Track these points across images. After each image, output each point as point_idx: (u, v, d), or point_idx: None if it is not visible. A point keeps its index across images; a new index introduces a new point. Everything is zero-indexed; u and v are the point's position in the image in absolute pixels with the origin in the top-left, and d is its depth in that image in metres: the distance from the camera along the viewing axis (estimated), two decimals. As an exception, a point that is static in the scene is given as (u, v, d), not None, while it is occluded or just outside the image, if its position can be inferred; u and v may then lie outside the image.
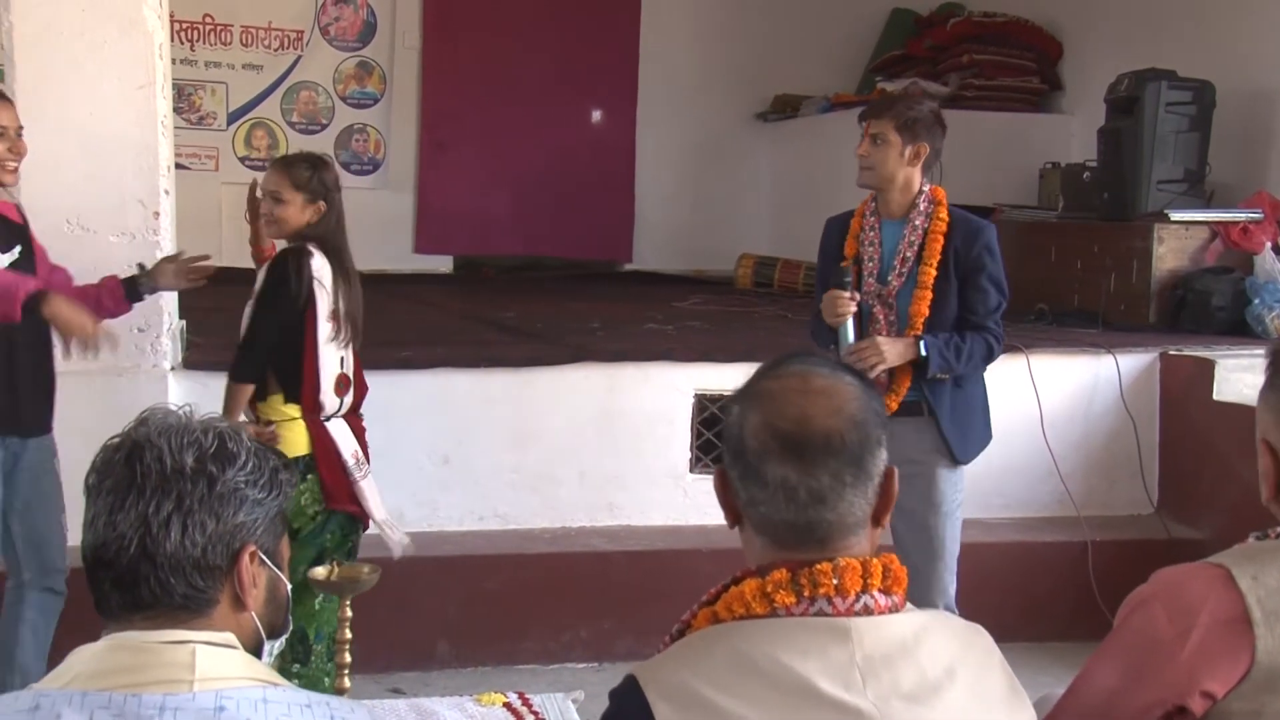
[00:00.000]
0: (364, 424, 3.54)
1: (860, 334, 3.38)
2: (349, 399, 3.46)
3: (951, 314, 3.37)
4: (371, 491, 3.45)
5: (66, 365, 3.97)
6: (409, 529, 3.57)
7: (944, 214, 3.39)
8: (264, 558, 1.39)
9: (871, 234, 3.44)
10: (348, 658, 2.59)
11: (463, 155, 8.41)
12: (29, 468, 3.38)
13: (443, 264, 8.52)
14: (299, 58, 8.24)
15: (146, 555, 1.30)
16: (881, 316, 3.38)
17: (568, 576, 4.35)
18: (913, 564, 3.27)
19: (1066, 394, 4.97)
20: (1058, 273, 6.24)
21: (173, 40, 4.44)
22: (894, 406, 3.34)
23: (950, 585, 3.46)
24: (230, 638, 1.34)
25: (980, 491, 4.93)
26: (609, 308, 6.26)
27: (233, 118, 8.17)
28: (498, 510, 4.58)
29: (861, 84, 8.53)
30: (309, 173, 3.35)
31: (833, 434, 1.39)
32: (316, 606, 3.35)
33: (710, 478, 1.44)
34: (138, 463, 1.32)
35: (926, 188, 3.41)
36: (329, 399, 3.38)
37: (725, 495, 1.48)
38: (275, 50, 8.19)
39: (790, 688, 1.32)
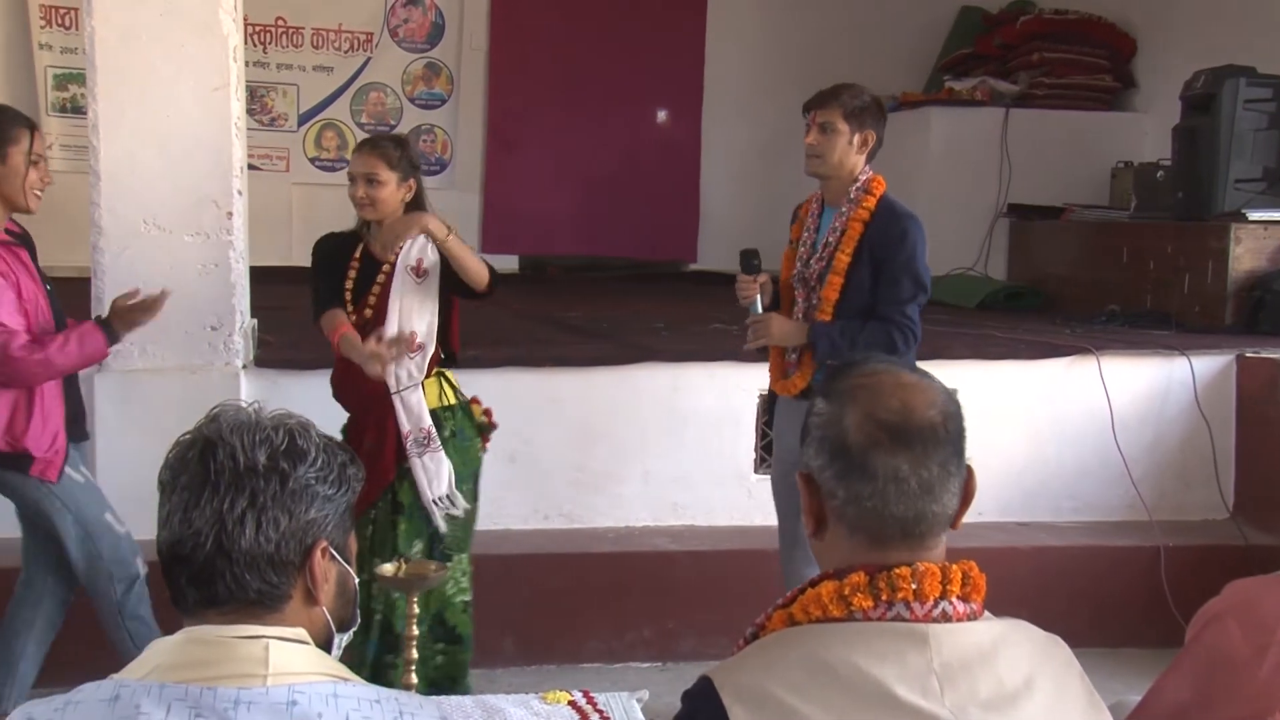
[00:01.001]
0: None
1: (792, 305, 3.52)
2: None
3: (862, 301, 3.37)
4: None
5: (141, 364, 4.07)
6: (474, 527, 3.61)
7: (870, 203, 3.40)
8: (334, 553, 1.40)
9: (811, 219, 3.52)
10: (414, 654, 2.62)
11: (528, 156, 8.45)
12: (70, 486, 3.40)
13: (508, 264, 8.55)
14: (368, 59, 8.33)
15: (222, 551, 1.32)
16: (800, 299, 3.47)
17: (631, 576, 4.35)
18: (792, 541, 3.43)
19: (1139, 396, 4.89)
20: (1129, 273, 6.14)
21: (246, 43, 4.51)
22: (799, 386, 3.44)
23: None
24: (302, 633, 1.36)
25: (1050, 494, 4.88)
26: (673, 308, 6.25)
27: (303, 119, 8.27)
28: (562, 509, 4.61)
29: (929, 83, 8.44)
30: (398, 151, 3.44)
31: (936, 424, 1.39)
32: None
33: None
34: (211, 460, 1.33)
35: (864, 176, 3.43)
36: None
37: (813, 500, 1.45)
38: (345, 52, 8.29)
39: (867, 693, 1.31)
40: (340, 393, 3.54)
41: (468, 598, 3.53)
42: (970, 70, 7.99)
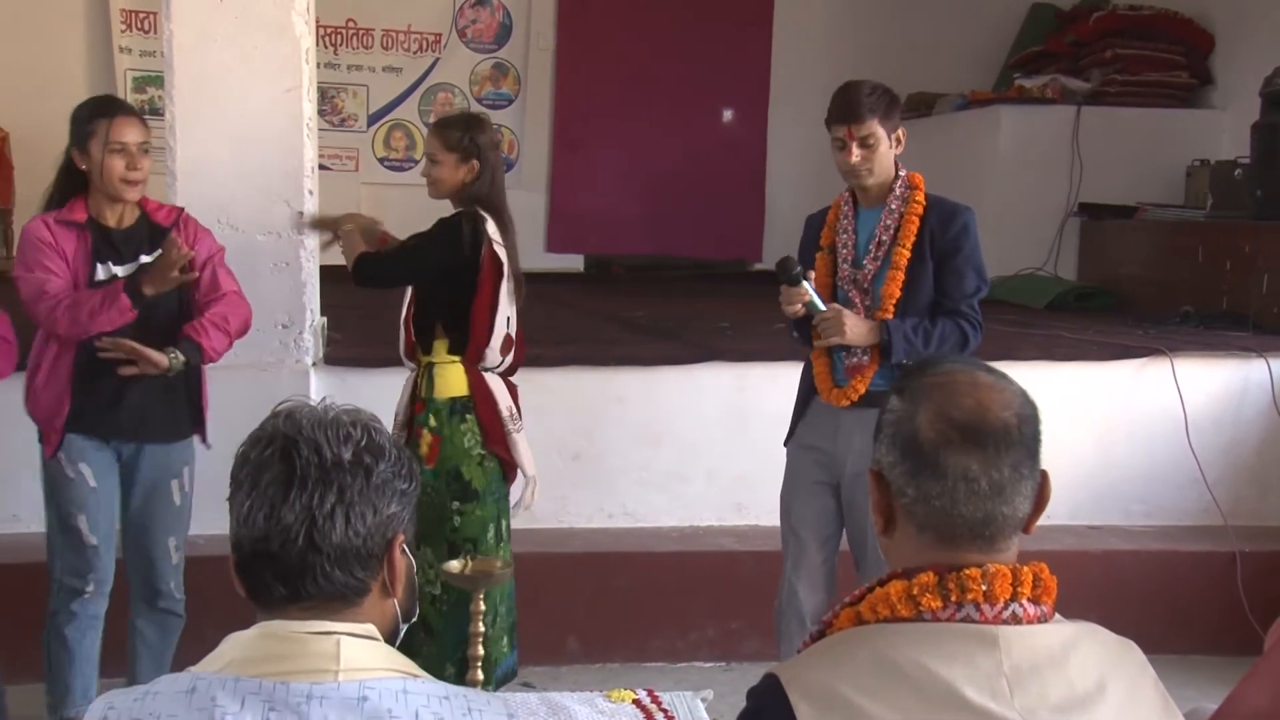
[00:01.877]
0: (517, 390, 3.63)
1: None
2: (509, 360, 3.54)
3: (926, 298, 3.26)
4: (523, 446, 3.54)
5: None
6: (539, 525, 3.62)
7: (920, 197, 3.30)
8: (405, 547, 1.42)
9: (846, 222, 3.36)
10: (480, 650, 2.64)
11: (595, 155, 8.48)
12: (142, 482, 3.34)
13: (574, 263, 8.60)
14: (436, 60, 8.41)
15: (314, 547, 1.33)
16: (857, 300, 3.29)
17: (695, 575, 4.35)
18: (866, 564, 3.27)
19: (1214, 398, 4.80)
20: (1205, 273, 6.02)
21: (317, 44, 4.57)
22: (860, 391, 3.25)
23: None
24: (371, 629, 1.37)
25: (1121, 498, 4.80)
26: (738, 307, 6.24)
27: (372, 119, 8.38)
28: (626, 508, 4.62)
29: (999, 81, 8.34)
30: (459, 132, 3.44)
31: (1010, 425, 1.38)
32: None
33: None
34: (296, 457, 1.34)
35: (903, 173, 3.34)
36: (492, 355, 3.47)
37: (883, 497, 1.44)
38: (414, 53, 8.38)
39: (935, 694, 1.30)
40: None
41: (435, 590, 3.41)
42: (1041, 68, 7.89)
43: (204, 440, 3.47)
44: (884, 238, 3.27)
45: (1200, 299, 5.88)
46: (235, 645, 1.35)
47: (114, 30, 7.86)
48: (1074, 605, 1.47)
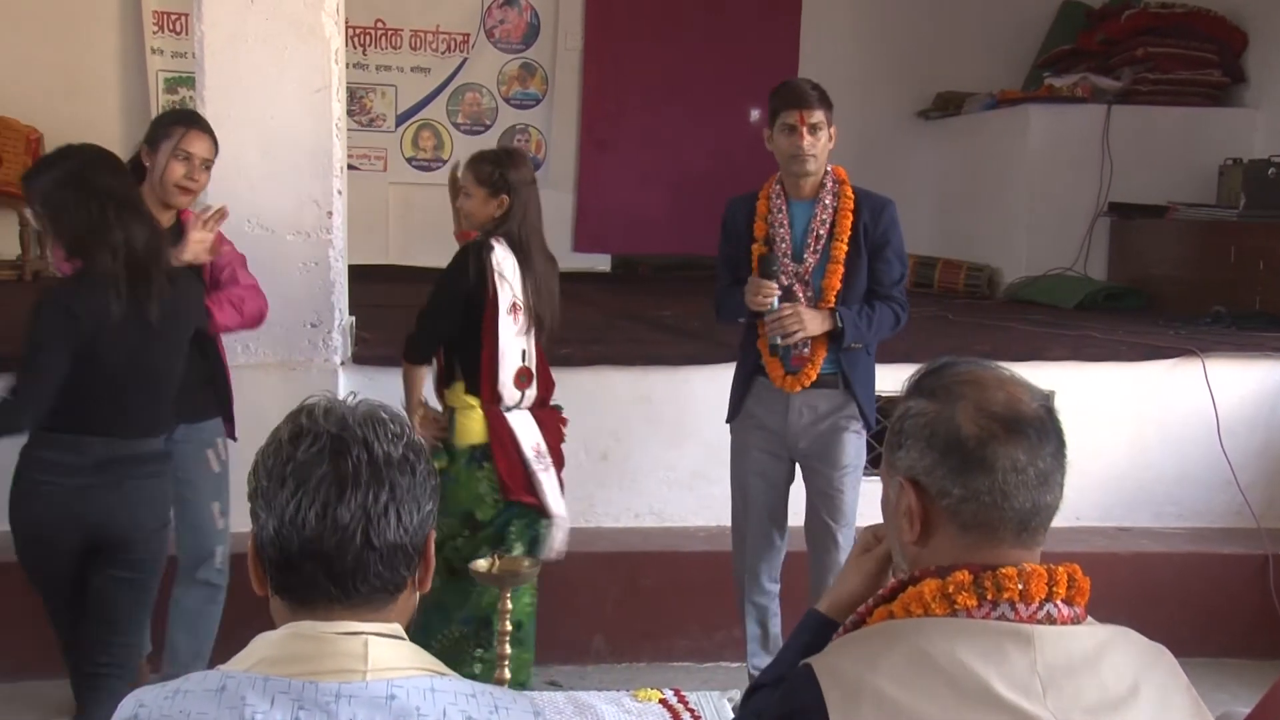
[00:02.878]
0: (564, 417, 3.65)
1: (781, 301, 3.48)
2: (531, 392, 3.52)
3: (861, 287, 3.49)
4: (551, 486, 3.50)
5: (243, 359, 4.16)
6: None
7: (849, 191, 3.52)
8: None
9: (780, 215, 3.54)
10: (508, 649, 2.65)
11: (622, 155, 8.48)
12: (180, 458, 3.38)
13: (601, 262, 8.61)
14: (465, 60, 8.44)
15: (370, 545, 1.33)
16: (800, 293, 3.47)
17: (722, 575, 4.33)
18: (818, 528, 3.56)
19: (1246, 400, 4.76)
20: (1238, 274, 5.97)
21: (346, 45, 4.59)
22: (813, 377, 3.49)
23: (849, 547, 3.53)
24: (396, 628, 1.38)
25: (1151, 499, 4.76)
26: (766, 307, 6.22)
27: (401, 119, 8.41)
28: (654, 507, 4.62)
29: (1028, 80, 8.29)
30: (490, 168, 3.47)
31: (1042, 415, 1.40)
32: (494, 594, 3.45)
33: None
34: (348, 454, 1.33)
35: (830, 166, 3.54)
36: (508, 390, 3.46)
37: (920, 504, 1.42)
38: (442, 53, 8.40)
39: (968, 688, 1.30)
40: None
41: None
42: (1071, 67, 7.83)
43: (232, 434, 3.55)
44: (821, 231, 3.48)
45: (1232, 299, 5.83)
46: (264, 645, 1.35)
47: (146, 32, 7.93)
48: (1105, 607, 1.46)
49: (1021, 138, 7.26)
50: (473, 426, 3.44)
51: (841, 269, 3.46)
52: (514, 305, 3.42)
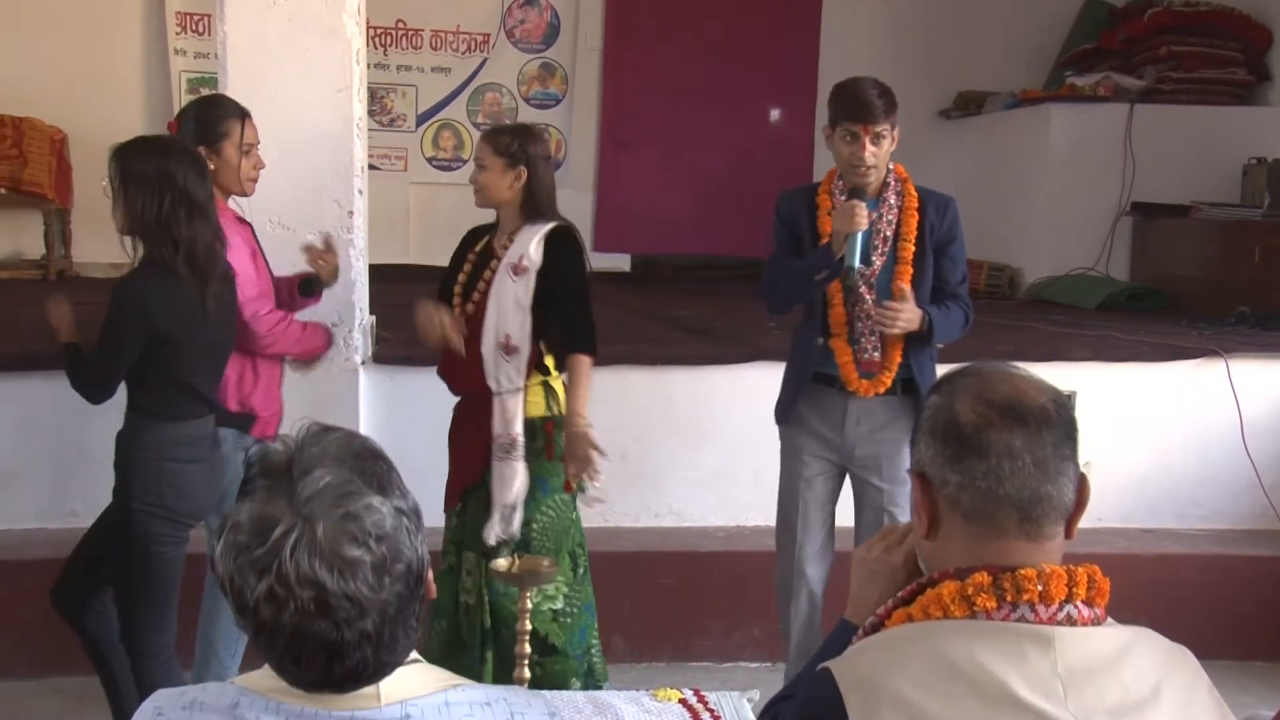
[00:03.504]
0: None
1: (849, 309, 3.37)
2: None
3: (928, 288, 3.38)
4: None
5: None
6: (586, 524, 3.62)
7: (912, 190, 3.41)
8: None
9: None
10: (527, 649, 2.65)
11: (642, 155, 8.48)
12: (234, 457, 3.43)
13: (621, 262, 8.61)
14: (485, 60, 8.45)
15: (380, 659, 1.29)
16: (867, 295, 3.36)
17: (742, 575, 4.34)
18: (874, 525, 3.37)
19: (1271, 401, 4.72)
20: (1262, 274, 5.93)
21: (367, 45, 4.60)
22: (888, 383, 3.36)
23: None
24: (412, 654, 1.37)
25: (1174, 501, 4.74)
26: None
27: (421, 119, 8.43)
28: (673, 507, 4.62)
29: (1049, 79, 8.25)
30: (508, 139, 3.41)
31: (1047, 408, 1.39)
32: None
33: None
34: (330, 613, 1.24)
35: (891, 164, 3.41)
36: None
37: (926, 497, 1.44)
38: (463, 53, 8.42)
39: (988, 691, 1.29)
40: (448, 381, 3.54)
41: (557, 606, 3.44)
42: (1093, 66, 7.79)
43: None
44: (887, 232, 3.35)
45: (1257, 299, 5.79)
46: (275, 676, 1.32)
47: (169, 33, 7.97)
48: (1126, 608, 1.46)
49: (1043, 137, 7.23)
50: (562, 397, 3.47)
51: (910, 270, 3.34)
52: None
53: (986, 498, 1.38)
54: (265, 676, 1.33)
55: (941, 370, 3.46)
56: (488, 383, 3.36)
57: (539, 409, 3.41)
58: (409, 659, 1.36)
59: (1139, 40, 7.65)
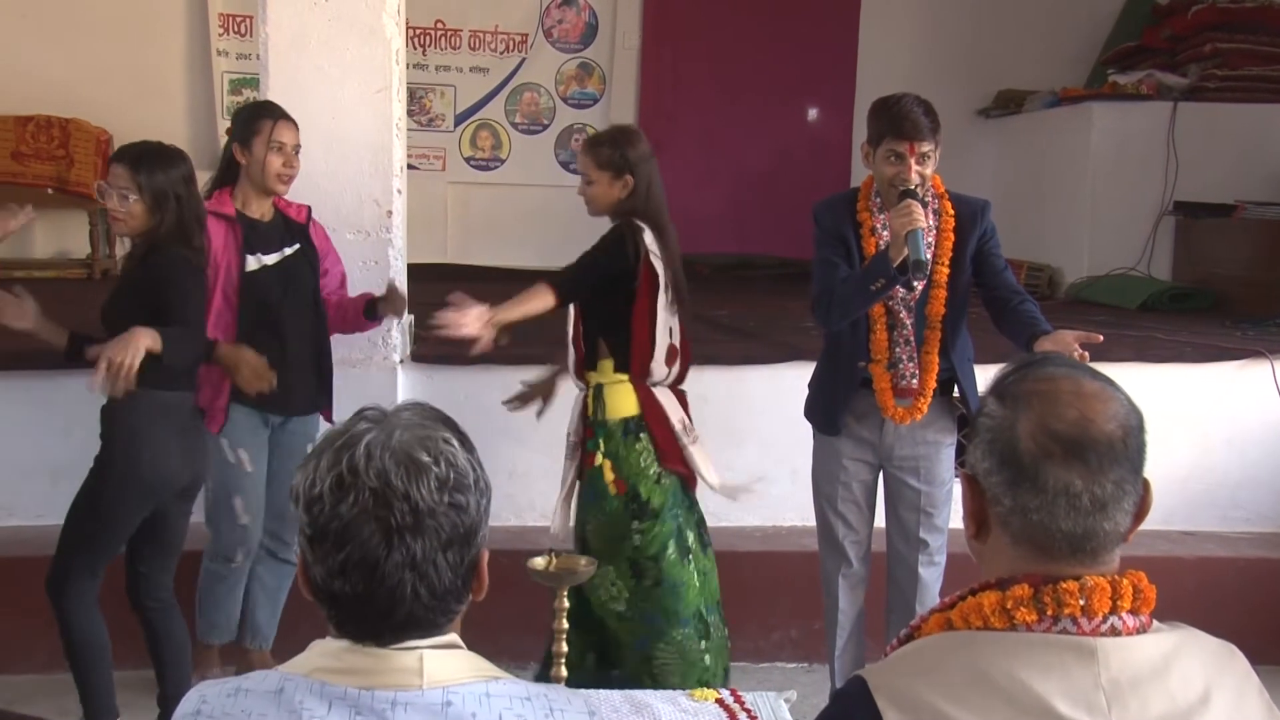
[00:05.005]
0: (686, 396, 3.64)
1: (889, 330, 3.31)
2: (676, 369, 3.56)
3: (963, 309, 3.34)
4: (702, 457, 3.54)
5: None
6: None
7: (950, 207, 3.31)
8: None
9: (885, 233, 3.28)
10: (565, 647, 2.65)
11: (679, 154, 8.45)
12: (282, 444, 3.72)
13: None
14: (523, 60, 8.48)
15: (419, 599, 1.32)
16: (907, 320, 3.30)
17: (779, 575, 4.34)
18: (909, 548, 3.40)
19: (1316, 403, 4.66)
20: (1308, 274, 5.86)
21: (406, 45, 4.63)
22: (924, 410, 3.32)
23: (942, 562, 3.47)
24: (454, 638, 1.38)
25: (1217, 503, 4.68)
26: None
27: (459, 119, 8.47)
28: (710, 507, 4.58)
29: (1091, 77, 8.18)
30: (610, 150, 3.44)
31: (1115, 438, 1.32)
32: (697, 582, 3.50)
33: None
34: (390, 515, 1.30)
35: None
36: (659, 368, 3.49)
37: (976, 503, 1.39)
38: (501, 53, 8.45)
39: (1027, 706, 1.26)
40: None
41: (620, 609, 3.48)
42: (1135, 64, 7.72)
43: (330, 419, 3.79)
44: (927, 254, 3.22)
45: (1303, 300, 5.72)
46: (321, 654, 1.35)
47: (212, 34, 8.06)
48: (1168, 613, 1.43)
49: (1084, 136, 7.16)
50: (626, 400, 3.44)
51: (944, 293, 3.28)
52: (665, 283, 3.44)
53: (1038, 529, 1.33)
54: (306, 660, 1.35)
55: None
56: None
57: (590, 411, 3.45)
58: (453, 643, 1.37)
59: (1183, 37, 7.57)
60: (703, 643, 3.50)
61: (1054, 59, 8.27)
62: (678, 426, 3.49)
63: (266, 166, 3.56)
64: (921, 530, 3.41)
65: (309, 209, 3.83)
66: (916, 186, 3.18)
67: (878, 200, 3.32)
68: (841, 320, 3.34)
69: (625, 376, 3.44)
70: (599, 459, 3.43)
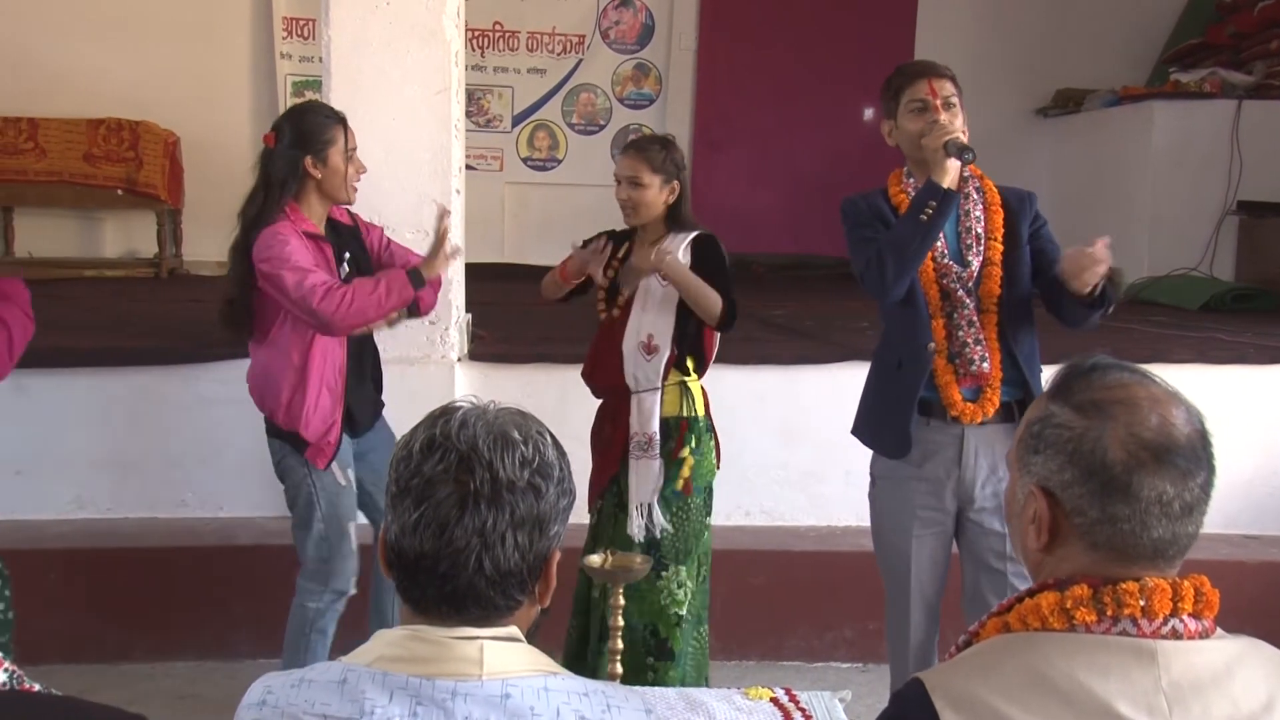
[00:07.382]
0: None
1: (946, 316, 2.95)
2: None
3: (1023, 288, 2.97)
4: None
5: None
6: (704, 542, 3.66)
7: (992, 185, 3.03)
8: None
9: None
10: (620, 644, 2.67)
11: (735, 154, 8.48)
12: (372, 459, 3.45)
13: (713, 262, 8.60)
14: (580, 61, 8.52)
15: (482, 571, 1.34)
16: (968, 300, 2.93)
17: (833, 575, 4.33)
18: (997, 596, 2.84)
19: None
20: (1375, 275, 5.75)
21: (465, 47, 4.68)
22: (995, 403, 2.91)
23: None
24: (514, 631, 1.40)
25: (1251, 508, 4.60)
26: (878, 307, 6.17)
27: (517, 120, 8.53)
28: (764, 506, 4.62)
29: (1152, 76, 8.07)
30: (662, 153, 3.45)
31: (1196, 443, 1.32)
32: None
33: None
34: (470, 475, 1.33)
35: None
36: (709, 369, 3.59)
37: (1051, 514, 1.37)
38: (558, 54, 8.50)
39: (1088, 708, 1.25)
40: (590, 381, 3.60)
41: (682, 611, 3.47)
42: (1198, 61, 7.61)
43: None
44: (977, 229, 2.97)
45: (1370, 302, 5.62)
46: (383, 643, 1.38)
47: (276, 37, 8.18)
48: (1230, 617, 1.43)
49: (1145, 135, 7.07)
50: (701, 400, 3.50)
51: (999, 271, 2.94)
52: None
53: (1126, 538, 1.32)
54: (369, 650, 1.37)
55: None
56: (626, 381, 3.43)
57: (673, 408, 3.45)
58: (514, 636, 1.39)
59: (1248, 35, 7.45)
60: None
61: (1114, 58, 8.18)
62: None
63: (347, 178, 3.33)
64: (1010, 576, 2.90)
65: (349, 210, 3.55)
66: (958, 134, 2.85)
67: (910, 180, 3.04)
68: (898, 276, 2.88)
69: (698, 377, 3.49)
70: (685, 453, 3.44)
